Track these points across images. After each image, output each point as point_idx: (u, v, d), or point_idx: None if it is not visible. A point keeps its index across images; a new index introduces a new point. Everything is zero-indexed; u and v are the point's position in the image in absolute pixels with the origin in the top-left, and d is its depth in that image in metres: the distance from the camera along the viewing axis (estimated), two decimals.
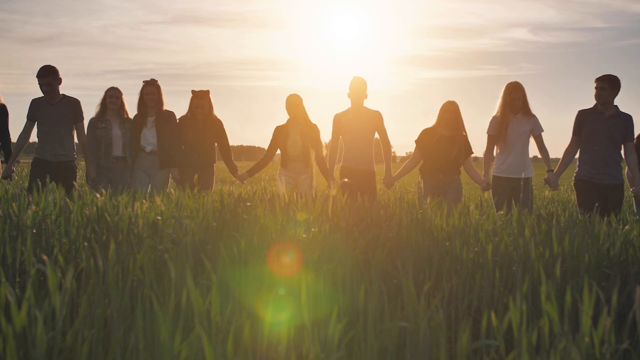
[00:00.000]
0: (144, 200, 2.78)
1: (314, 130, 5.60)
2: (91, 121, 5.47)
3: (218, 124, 5.62)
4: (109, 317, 1.57)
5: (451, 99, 5.28)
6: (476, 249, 2.29)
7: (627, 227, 2.65)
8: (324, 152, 5.67)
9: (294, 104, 5.57)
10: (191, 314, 1.63)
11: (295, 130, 5.59)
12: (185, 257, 1.70)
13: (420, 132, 5.34)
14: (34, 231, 2.40)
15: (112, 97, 5.49)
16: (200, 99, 5.51)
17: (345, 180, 5.07)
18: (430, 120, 5.37)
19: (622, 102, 5.25)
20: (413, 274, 2.04)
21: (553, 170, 5.17)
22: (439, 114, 5.26)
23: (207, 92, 5.55)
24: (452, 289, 2.00)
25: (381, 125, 5.38)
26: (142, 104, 5.52)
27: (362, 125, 5.30)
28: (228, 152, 5.76)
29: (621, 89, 4.96)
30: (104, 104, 5.50)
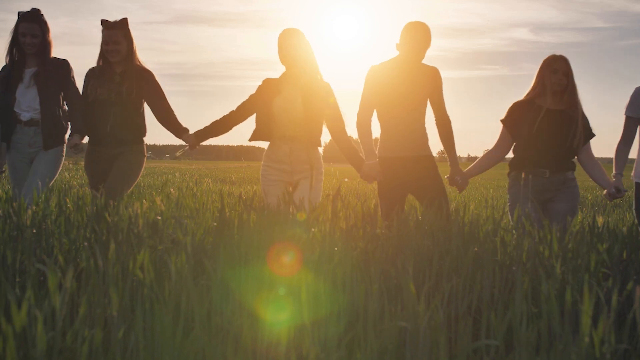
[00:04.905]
0: (144, 200, 2.78)
1: (325, 90, 3.38)
2: None
3: (147, 75, 3.67)
4: (109, 317, 1.57)
5: (559, 53, 3.36)
6: (476, 249, 2.29)
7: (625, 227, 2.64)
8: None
9: (290, 42, 3.32)
10: (191, 314, 1.63)
11: (293, 86, 3.36)
12: (185, 257, 1.71)
13: (508, 107, 3.45)
14: (34, 231, 2.40)
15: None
16: (112, 29, 3.55)
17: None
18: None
19: (622, 102, 4.93)
20: (413, 274, 2.04)
21: None
22: (540, 76, 3.33)
23: (125, 20, 3.62)
24: (452, 289, 2.00)
25: (440, 88, 3.38)
26: (16, 48, 3.64)
27: (415, 88, 3.30)
28: (169, 112, 3.73)
29: (622, 90, 4.14)
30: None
